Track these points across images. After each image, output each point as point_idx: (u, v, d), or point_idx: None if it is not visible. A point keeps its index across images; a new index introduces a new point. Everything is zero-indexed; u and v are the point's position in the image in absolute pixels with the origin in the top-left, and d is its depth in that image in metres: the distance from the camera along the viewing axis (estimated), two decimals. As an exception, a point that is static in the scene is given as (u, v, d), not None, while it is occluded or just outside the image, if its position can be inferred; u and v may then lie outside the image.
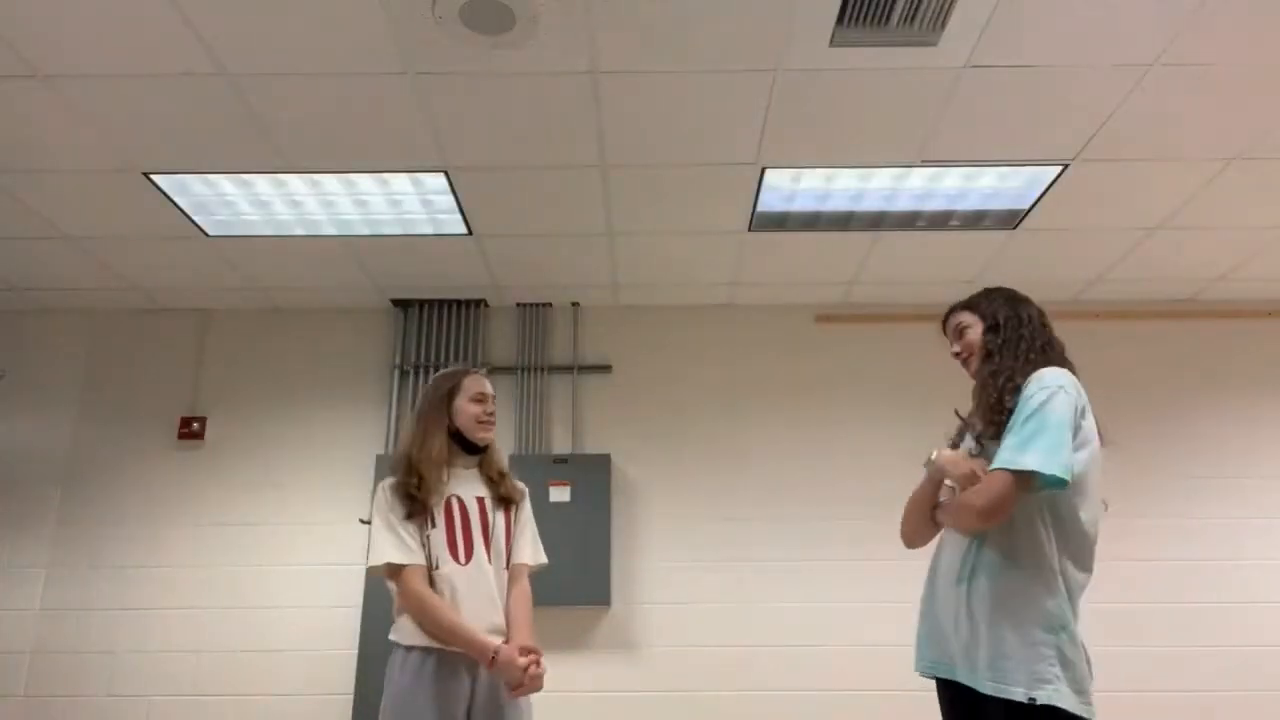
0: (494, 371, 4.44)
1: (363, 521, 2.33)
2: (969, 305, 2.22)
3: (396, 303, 4.53)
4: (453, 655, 2.20)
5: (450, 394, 2.41)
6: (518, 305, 4.59)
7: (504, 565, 2.37)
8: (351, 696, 3.87)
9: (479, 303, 4.54)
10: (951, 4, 2.47)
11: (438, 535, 2.29)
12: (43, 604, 4.12)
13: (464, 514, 2.35)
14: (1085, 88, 2.83)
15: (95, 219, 3.62)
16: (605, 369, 4.49)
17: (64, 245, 3.84)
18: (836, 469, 4.31)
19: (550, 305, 4.59)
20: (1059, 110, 2.95)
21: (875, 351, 4.49)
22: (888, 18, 2.52)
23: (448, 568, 2.27)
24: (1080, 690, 1.82)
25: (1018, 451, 1.85)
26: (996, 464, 1.87)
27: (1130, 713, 3.91)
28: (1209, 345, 4.50)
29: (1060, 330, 2.18)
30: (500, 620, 2.30)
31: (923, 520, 2.13)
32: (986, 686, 1.86)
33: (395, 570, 2.24)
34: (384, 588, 2.34)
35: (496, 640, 2.22)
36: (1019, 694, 1.80)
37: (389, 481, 2.35)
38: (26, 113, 2.90)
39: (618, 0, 2.44)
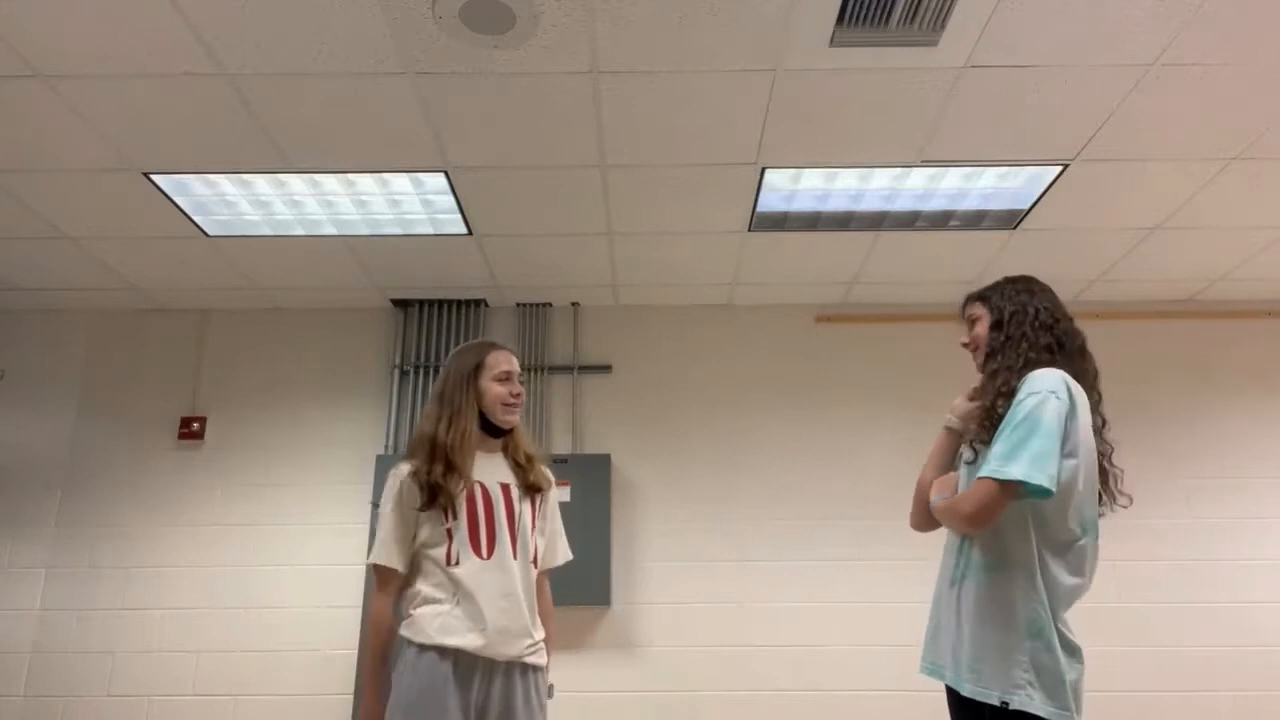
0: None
1: (374, 505, 2.25)
2: (982, 296, 2.19)
3: (396, 303, 4.53)
4: (470, 657, 2.07)
5: (475, 371, 2.23)
6: (518, 305, 4.59)
7: (530, 559, 2.22)
8: (351, 696, 3.87)
9: (479, 303, 4.54)
10: (951, 4, 2.47)
11: (459, 529, 2.13)
12: (43, 604, 4.12)
13: (488, 503, 2.18)
14: (1085, 88, 2.83)
15: (95, 219, 3.62)
16: (605, 369, 4.49)
17: (64, 245, 3.84)
18: (836, 469, 4.31)
19: (550, 305, 4.59)
20: (1059, 110, 2.95)
21: (875, 351, 4.49)
22: (888, 18, 2.52)
23: (469, 564, 2.12)
24: (1053, 696, 1.79)
25: (1004, 460, 1.83)
26: (984, 472, 1.86)
27: (1131, 712, 3.92)
28: (1209, 345, 4.50)
29: (1060, 330, 2.15)
30: (527, 620, 2.16)
31: (924, 502, 2.14)
32: (965, 689, 1.86)
33: (382, 574, 2.15)
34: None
35: (524, 643, 2.13)
36: (993, 696, 1.81)
37: (406, 468, 2.18)
38: (26, 113, 2.90)
39: (618, 0, 2.44)
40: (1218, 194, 3.48)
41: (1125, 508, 2.01)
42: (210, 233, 3.76)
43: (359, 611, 3.99)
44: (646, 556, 4.19)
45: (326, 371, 4.49)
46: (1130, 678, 3.97)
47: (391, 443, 4.30)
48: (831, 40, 2.60)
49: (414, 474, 2.17)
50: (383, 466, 4.17)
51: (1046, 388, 1.89)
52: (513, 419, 2.27)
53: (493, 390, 2.23)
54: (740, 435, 4.38)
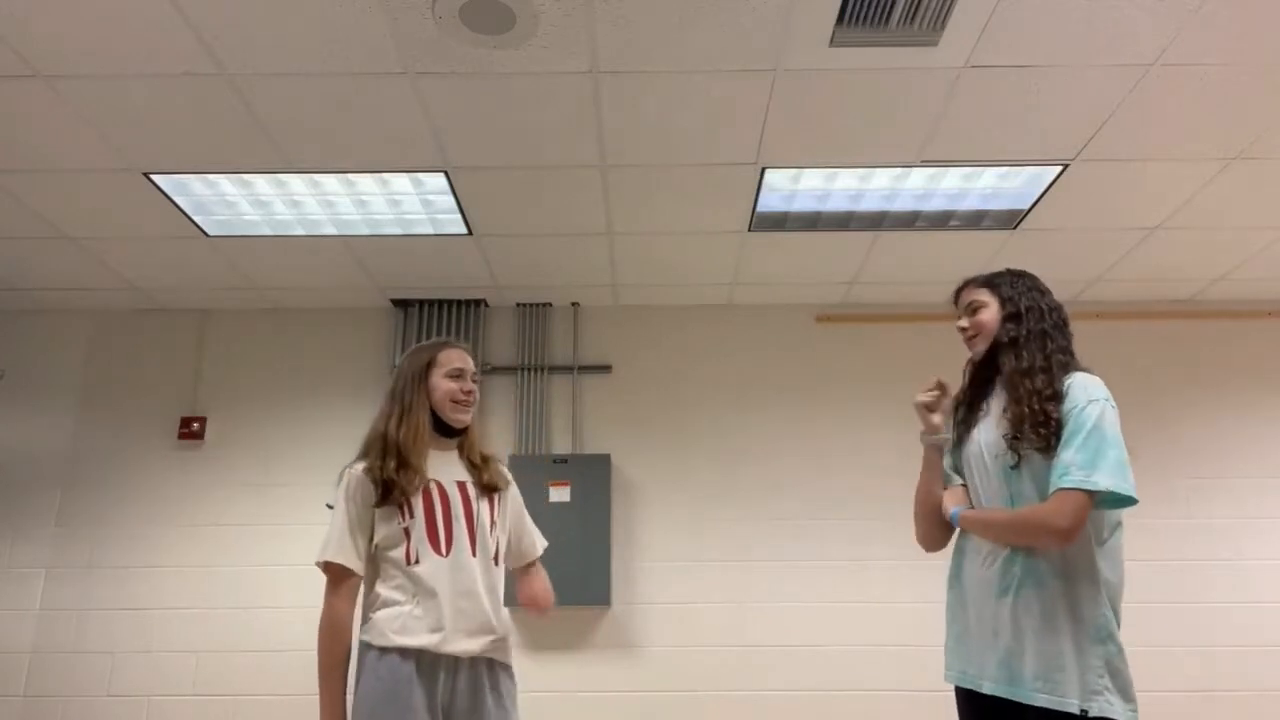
0: (494, 371, 4.46)
1: (328, 506, 2.18)
2: (988, 283, 2.13)
3: (396, 303, 4.53)
4: (433, 656, 2.06)
5: (427, 368, 2.20)
6: (518, 305, 4.59)
7: (490, 557, 2.19)
8: (351, 697, 3.86)
9: (479, 303, 4.54)
10: (951, 4, 2.47)
11: (417, 526, 2.10)
12: (43, 604, 4.12)
13: (445, 501, 2.15)
14: (1085, 88, 2.83)
15: (95, 219, 3.62)
16: (605, 369, 4.49)
17: (64, 245, 3.84)
18: (836, 469, 4.31)
19: (550, 305, 4.59)
20: (1059, 110, 2.95)
21: (875, 351, 4.49)
22: (888, 18, 2.52)
23: (429, 563, 2.09)
24: (1129, 698, 1.81)
25: (1088, 470, 1.80)
26: (1069, 483, 1.81)
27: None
28: (1209, 345, 4.50)
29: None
30: (489, 617, 2.13)
31: (934, 520, 2.11)
32: (1038, 699, 1.82)
33: (335, 573, 2.10)
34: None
35: (486, 639, 2.10)
36: (1073, 705, 1.79)
37: (359, 466, 2.14)
38: (26, 113, 2.90)
39: (618, 0, 2.44)
40: (1218, 194, 3.48)
41: None
42: (210, 233, 3.76)
43: (358, 611, 3.99)
44: (646, 556, 4.19)
45: (326, 371, 4.49)
46: (1130, 678, 3.96)
47: (391, 443, 4.30)
48: (831, 40, 2.60)
49: (367, 470, 2.13)
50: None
51: (1102, 395, 1.89)
52: (463, 417, 2.23)
53: (443, 386, 2.19)
54: (740, 435, 4.38)
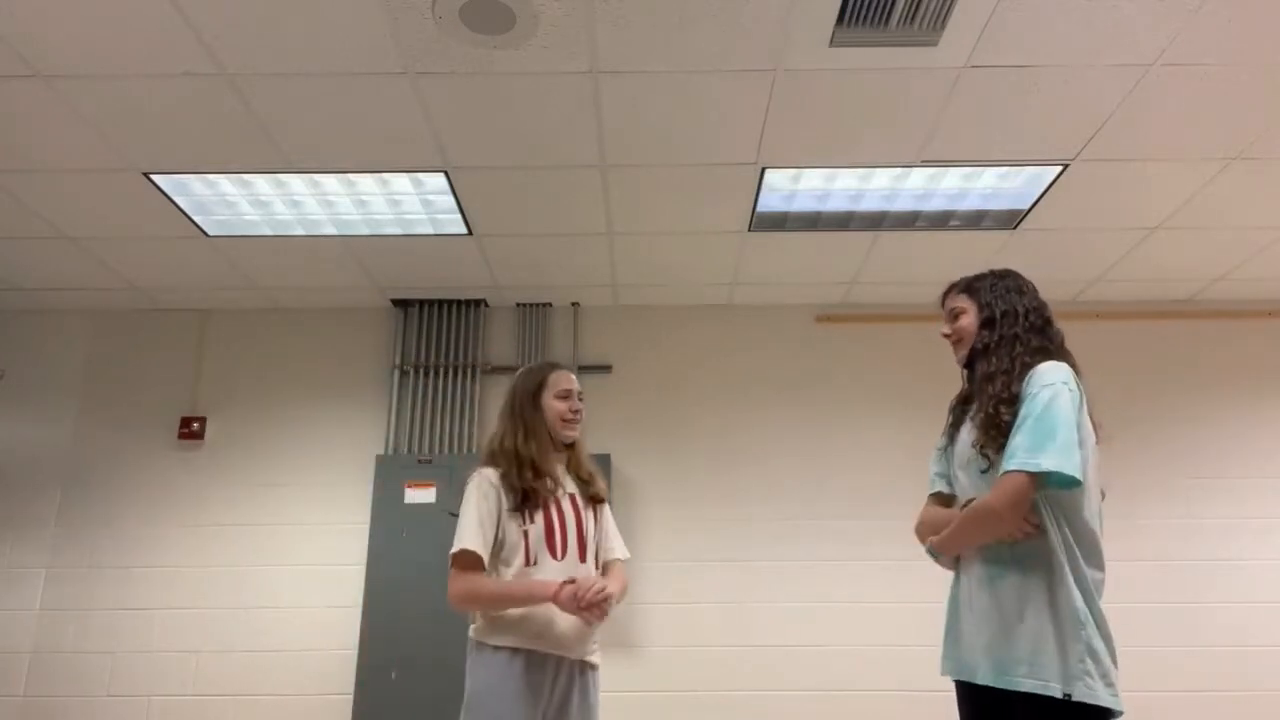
0: (494, 372, 4.45)
1: (451, 515, 2.30)
2: (968, 288, 2.16)
3: (396, 303, 4.53)
4: (539, 656, 2.20)
5: (538, 389, 2.38)
6: (518, 305, 4.59)
7: (593, 564, 2.39)
8: (351, 696, 3.86)
9: (479, 303, 4.54)
10: (951, 4, 2.47)
11: (535, 531, 2.27)
12: (43, 604, 4.12)
13: (559, 511, 2.33)
14: (1085, 88, 2.83)
15: (95, 219, 3.62)
16: (605, 369, 4.49)
17: (64, 245, 3.84)
18: (836, 469, 4.31)
19: (550, 305, 4.59)
20: (1059, 110, 2.95)
21: (875, 351, 4.49)
22: (888, 18, 2.52)
23: (546, 565, 2.25)
24: (1110, 682, 1.84)
25: (1032, 452, 1.83)
26: (1012, 465, 1.85)
27: (1129, 713, 3.90)
28: (1209, 345, 4.50)
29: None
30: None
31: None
32: (1024, 684, 1.84)
33: (467, 561, 2.19)
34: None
35: (585, 642, 2.28)
36: (1055, 690, 1.81)
37: (494, 473, 2.29)
38: (27, 113, 2.90)
39: (618, 0, 2.44)
40: (1218, 194, 3.48)
41: (1102, 498, 2.03)
42: (210, 233, 3.76)
43: (359, 611, 3.98)
44: (646, 556, 4.18)
45: (326, 371, 4.49)
46: (1129, 678, 3.94)
47: (391, 443, 4.30)
48: (831, 40, 2.61)
49: (503, 476, 2.28)
50: (382, 466, 4.17)
51: (1059, 379, 1.91)
52: (572, 433, 2.41)
53: (555, 406, 2.37)
54: (740, 435, 4.38)
